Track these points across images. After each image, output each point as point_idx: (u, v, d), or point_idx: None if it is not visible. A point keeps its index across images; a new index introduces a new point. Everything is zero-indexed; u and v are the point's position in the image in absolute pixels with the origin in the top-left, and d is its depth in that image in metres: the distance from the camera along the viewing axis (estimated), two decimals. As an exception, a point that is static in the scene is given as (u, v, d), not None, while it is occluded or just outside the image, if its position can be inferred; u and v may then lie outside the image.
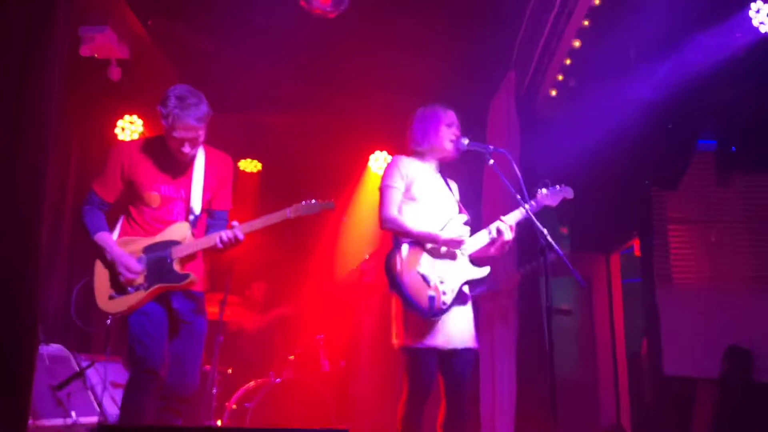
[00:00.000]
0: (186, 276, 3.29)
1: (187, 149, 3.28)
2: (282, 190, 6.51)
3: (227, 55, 5.50)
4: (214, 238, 3.28)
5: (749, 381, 5.15)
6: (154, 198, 3.33)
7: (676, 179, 5.44)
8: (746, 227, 5.81)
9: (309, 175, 6.54)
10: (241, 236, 3.27)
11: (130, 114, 6.07)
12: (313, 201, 3.37)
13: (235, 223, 3.30)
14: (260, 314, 6.20)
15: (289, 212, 3.33)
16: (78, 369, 4.25)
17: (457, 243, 3.37)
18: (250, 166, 7.24)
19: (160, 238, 3.32)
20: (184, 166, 3.39)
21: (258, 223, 3.30)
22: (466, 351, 3.38)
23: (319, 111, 6.42)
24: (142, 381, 3.18)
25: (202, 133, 3.30)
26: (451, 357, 3.35)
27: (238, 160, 7.18)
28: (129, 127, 6.02)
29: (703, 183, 5.82)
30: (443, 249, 3.39)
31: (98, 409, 4.25)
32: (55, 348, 4.34)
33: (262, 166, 7.26)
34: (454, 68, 5.62)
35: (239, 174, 7.17)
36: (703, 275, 5.76)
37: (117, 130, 5.99)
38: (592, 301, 6.60)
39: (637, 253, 5.98)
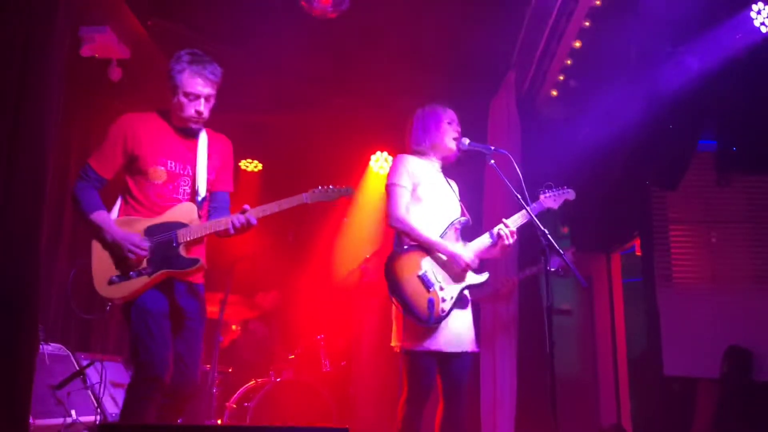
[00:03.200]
0: (195, 261, 3.09)
1: (201, 107, 3.12)
2: (282, 190, 6.43)
3: (227, 55, 5.49)
4: (226, 223, 3.07)
5: (749, 381, 5.15)
6: (160, 173, 3.12)
7: (676, 179, 5.44)
8: (746, 227, 5.81)
9: (309, 175, 6.51)
10: (254, 221, 3.08)
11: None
12: (330, 187, 3.18)
13: (246, 206, 3.10)
14: (255, 325, 6.19)
15: (306, 197, 3.13)
16: (78, 368, 4.25)
17: (461, 263, 3.34)
18: (250, 166, 7.25)
19: (163, 218, 3.10)
20: (190, 142, 3.22)
21: (271, 208, 3.11)
22: (465, 355, 3.38)
23: (320, 111, 6.41)
24: (146, 389, 2.97)
25: (214, 96, 3.16)
26: (450, 360, 3.35)
27: (239, 160, 7.18)
28: (129, 127, 6.01)
29: (703, 183, 5.82)
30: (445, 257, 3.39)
31: (98, 408, 4.24)
32: (55, 347, 4.34)
33: (262, 166, 7.26)
34: (455, 68, 5.62)
35: (239, 174, 7.18)
36: (703, 275, 5.76)
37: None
38: (593, 300, 6.61)
39: (638, 252, 5.98)
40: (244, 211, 3.10)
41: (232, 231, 3.08)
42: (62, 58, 3.35)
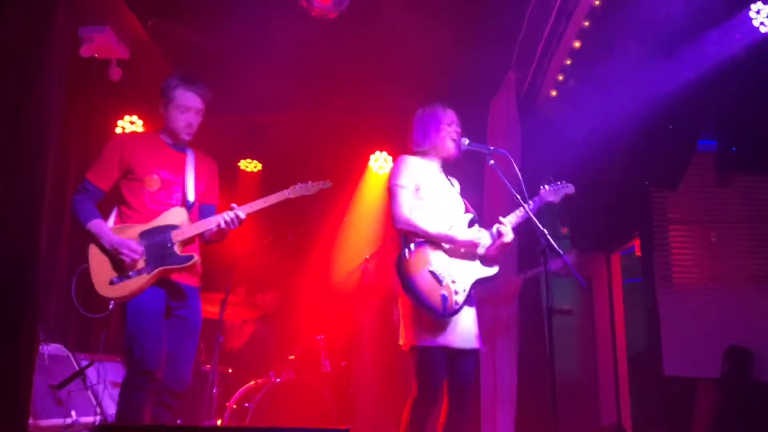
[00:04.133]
0: (190, 257, 3.29)
1: (192, 119, 3.40)
2: (282, 190, 6.48)
3: (227, 56, 5.50)
4: (216, 220, 3.31)
5: (749, 381, 5.15)
6: (155, 181, 3.35)
7: (676, 179, 5.44)
8: (746, 227, 5.80)
9: (309, 175, 6.46)
10: (242, 216, 3.32)
11: (130, 114, 6.06)
12: (310, 182, 3.49)
13: (233, 205, 3.35)
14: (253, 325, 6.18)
15: (288, 192, 3.44)
16: (77, 368, 4.25)
17: (474, 245, 3.38)
18: (250, 166, 7.24)
19: (156, 223, 3.30)
20: (180, 156, 3.47)
21: (258, 204, 3.36)
22: (472, 351, 3.38)
23: (319, 111, 6.41)
24: (139, 382, 3.14)
25: (202, 111, 3.44)
26: (458, 357, 3.34)
27: (238, 160, 7.18)
28: (129, 127, 6.01)
29: (703, 183, 5.81)
30: (462, 250, 3.38)
31: (98, 409, 4.24)
32: (54, 348, 4.34)
33: (262, 166, 7.26)
34: (455, 68, 5.62)
35: (239, 174, 7.18)
36: (703, 275, 5.76)
37: (117, 130, 5.98)
38: (593, 301, 6.60)
39: (638, 252, 5.98)
40: (232, 209, 3.33)
41: (223, 225, 3.31)
42: (62, 58, 3.35)
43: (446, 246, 3.38)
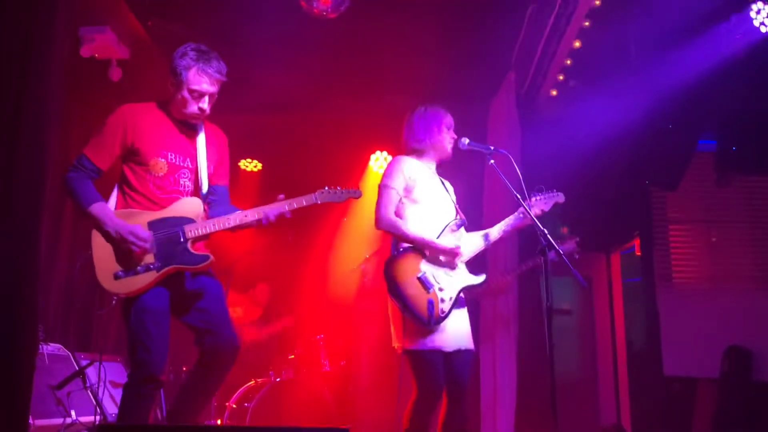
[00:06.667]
0: (206, 257, 3.04)
1: (204, 105, 3.07)
2: (282, 190, 6.45)
3: (227, 56, 5.48)
4: (234, 220, 3.04)
5: (749, 381, 5.15)
6: (161, 165, 3.05)
7: (676, 179, 5.44)
8: (746, 227, 5.82)
9: (309, 176, 6.50)
10: (272, 217, 3.07)
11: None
12: (338, 188, 3.21)
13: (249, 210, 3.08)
14: (257, 328, 6.18)
15: (316, 197, 3.14)
16: (77, 368, 4.25)
17: (453, 254, 3.38)
18: (249, 166, 7.24)
19: (168, 212, 3.04)
20: (190, 134, 3.16)
21: (281, 206, 3.10)
22: (465, 352, 3.38)
23: (320, 111, 6.41)
24: (142, 388, 2.95)
25: (217, 93, 3.12)
26: (452, 358, 3.35)
27: (238, 160, 7.18)
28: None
29: (703, 183, 5.82)
30: (442, 257, 3.39)
31: (98, 408, 4.24)
32: (54, 347, 4.34)
33: (262, 166, 7.26)
34: (455, 68, 5.63)
35: (239, 174, 7.18)
36: (703, 275, 5.77)
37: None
38: (593, 300, 6.61)
39: (638, 252, 5.98)
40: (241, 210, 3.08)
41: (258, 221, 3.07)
42: (62, 58, 3.34)
43: (432, 253, 3.38)
